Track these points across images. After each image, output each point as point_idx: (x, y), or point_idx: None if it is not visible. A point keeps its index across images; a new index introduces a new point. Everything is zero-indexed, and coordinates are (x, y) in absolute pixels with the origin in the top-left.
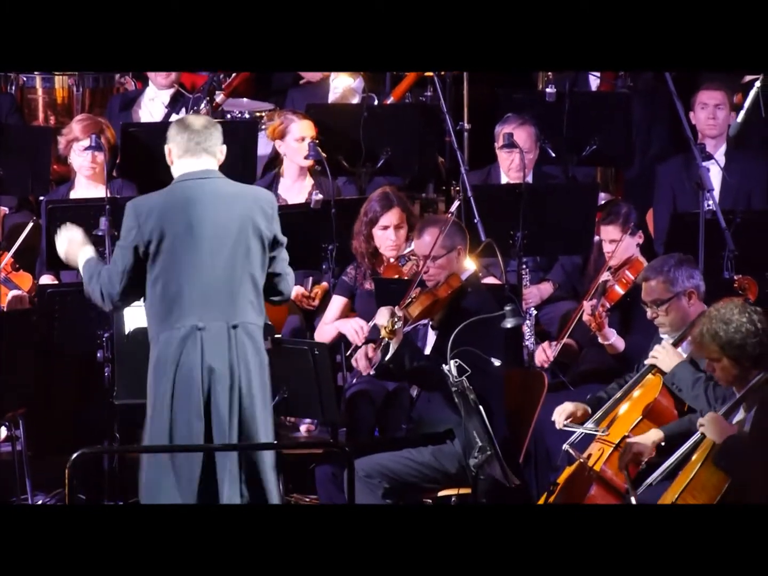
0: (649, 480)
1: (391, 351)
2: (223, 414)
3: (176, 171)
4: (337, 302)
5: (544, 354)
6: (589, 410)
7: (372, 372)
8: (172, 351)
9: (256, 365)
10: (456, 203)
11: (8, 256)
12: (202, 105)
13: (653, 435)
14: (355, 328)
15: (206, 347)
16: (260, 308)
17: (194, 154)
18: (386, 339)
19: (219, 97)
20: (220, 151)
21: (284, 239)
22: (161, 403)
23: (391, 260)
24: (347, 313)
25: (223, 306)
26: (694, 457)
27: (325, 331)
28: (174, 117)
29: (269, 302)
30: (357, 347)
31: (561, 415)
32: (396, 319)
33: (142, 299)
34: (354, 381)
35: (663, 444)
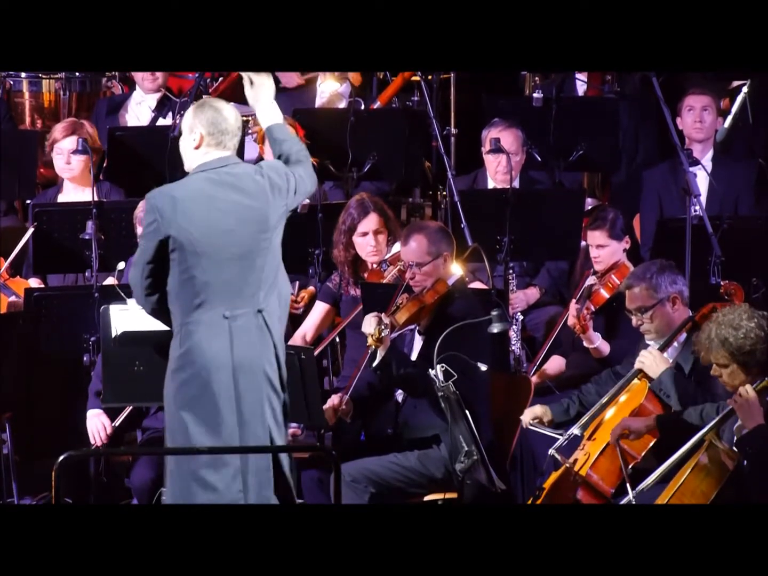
0: (642, 485)
1: (378, 358)
2: (254, 408)
3: (197, 159)
4: (320, 308)
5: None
6: (552, 419)
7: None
8: (200, 340)
9: (276, 349)
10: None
11: (6, 263)
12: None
13: (648, 420)
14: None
15: (234, 336)
16: (282, 294)
17: (220, 146)
18: (373, 347)
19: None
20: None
21: (294, 173)
22: (187, 394)
23: (374, 266)
24: (331, 318)
25: (246, 294)
26: (685, 464)
27: (309, 321)
28: (161, 121)
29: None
30: None
31: (527, 415)
32: (383, 327)
33: (128, 302)
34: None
35: (654, 441)
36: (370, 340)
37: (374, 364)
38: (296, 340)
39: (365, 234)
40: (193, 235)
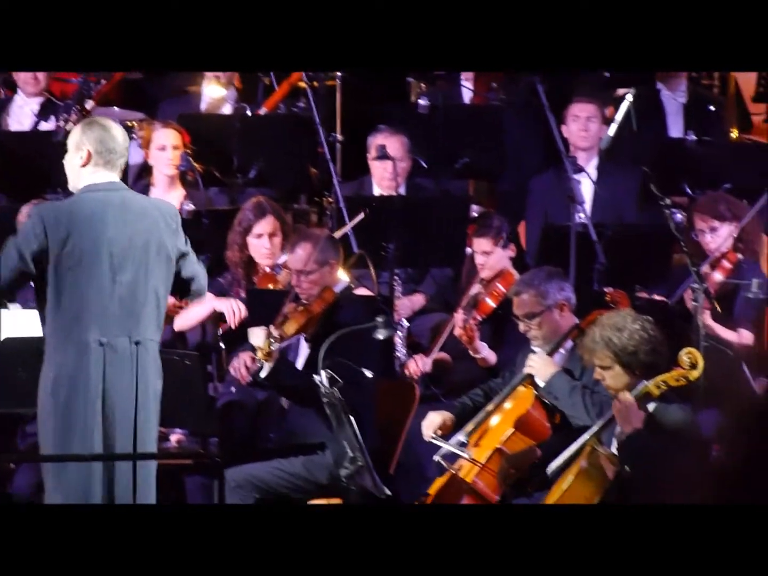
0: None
1: (267, 371)
2: (121, 427)
3: (84, 178)
4: (209, 297)
5: (416, 365)
6: (455, 419)
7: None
8: (73, 365)
9: (154, 381)
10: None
11: None
12: (72, 113)
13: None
14: (233, 307)
15: (108, 362)
16: (160, 325)
17: (110, 166)
18: (262, 360)
19: (89, 104)
20: (124, 168)
21: (188, 248)
22: (56, 414)
23: (266, 269)
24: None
25: (126, 322)
26: (567, 469)
27: (192, 313)
28: (43, 125)
29: (187, 299)
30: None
31: (428, 428)
32: (272, 341)
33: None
34: (228, 390)
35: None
36: (259, 354)
37: (262, 377)
38: (191, 317)
39: (260, 236)
40: (76, 255)
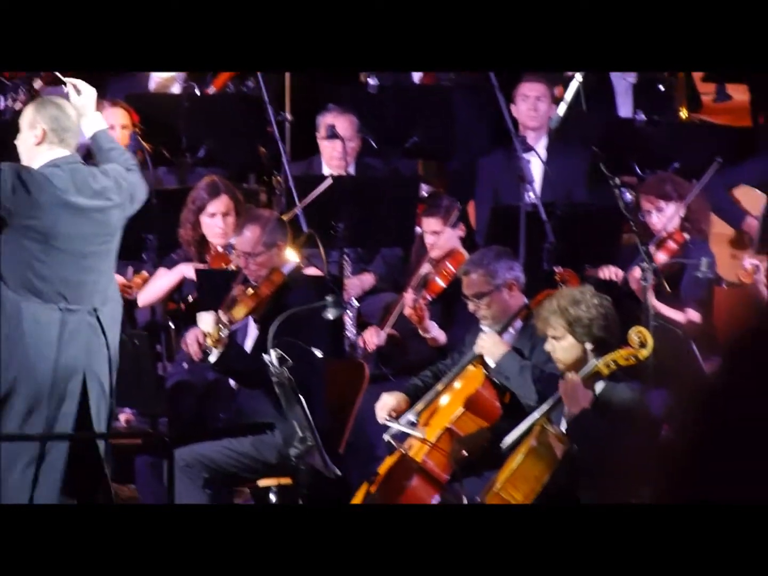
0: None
1: (216, 356)
2: (71, 395)
3: (40, 156)
4: (161, 273)
5: (371, 336)
6: (409, 399)
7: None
8: (28, 329)
9: (114, 351)
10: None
11: None
12: (20, 92)
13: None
14: None
15: (64, 330)
16: (117, 297)
17: (65, 144)
18: (212, 346)
19: (37, 83)
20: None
21: (132, 183)
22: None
23: (219, 249)
24: (175, 286)
25: (83, 291)
26: (517, 449)
27: (158, 285)
28: None
29: None
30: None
31: (382, 409)
32: (221, 326)
33: None
34: (178, 369)
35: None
36: (209, 340)
37: (212, 362)
38: (158, 287)
39: (213, 215)
40: (38, 223)
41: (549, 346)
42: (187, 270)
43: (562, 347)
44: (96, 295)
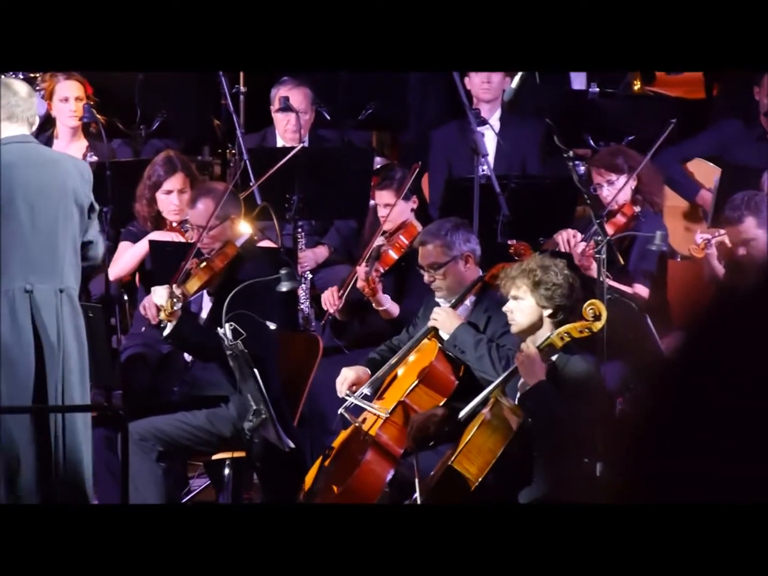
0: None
1: (169, 329)
2: (51, 376)
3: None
4: (125, 247)
5: (331, 297)
6: (369, 373)
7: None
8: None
9: (79, 330)
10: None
11: None
12: None
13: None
14: (173, 239)
15: (35, 310)
16: (78, 274)
17: (17, 120)
18: (165, 321)
19: None
20: (35, 121)
21: (96, 210)
22: None
23: (174, 224)
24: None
25: (48, 270)
26: (471, 421)
27: (128, 256)
28: None
29: (82, 263)
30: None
31: (343, 384)
32: (175, 300)
33: None
34: (132, 343)
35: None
36: (162, 314)
37: (165, 335)
38: (129, 260)
39: (169, 192)
40: None
41: (509, 306)
42: (157, 235)
43: (520, 308)
44: (62, 273)
